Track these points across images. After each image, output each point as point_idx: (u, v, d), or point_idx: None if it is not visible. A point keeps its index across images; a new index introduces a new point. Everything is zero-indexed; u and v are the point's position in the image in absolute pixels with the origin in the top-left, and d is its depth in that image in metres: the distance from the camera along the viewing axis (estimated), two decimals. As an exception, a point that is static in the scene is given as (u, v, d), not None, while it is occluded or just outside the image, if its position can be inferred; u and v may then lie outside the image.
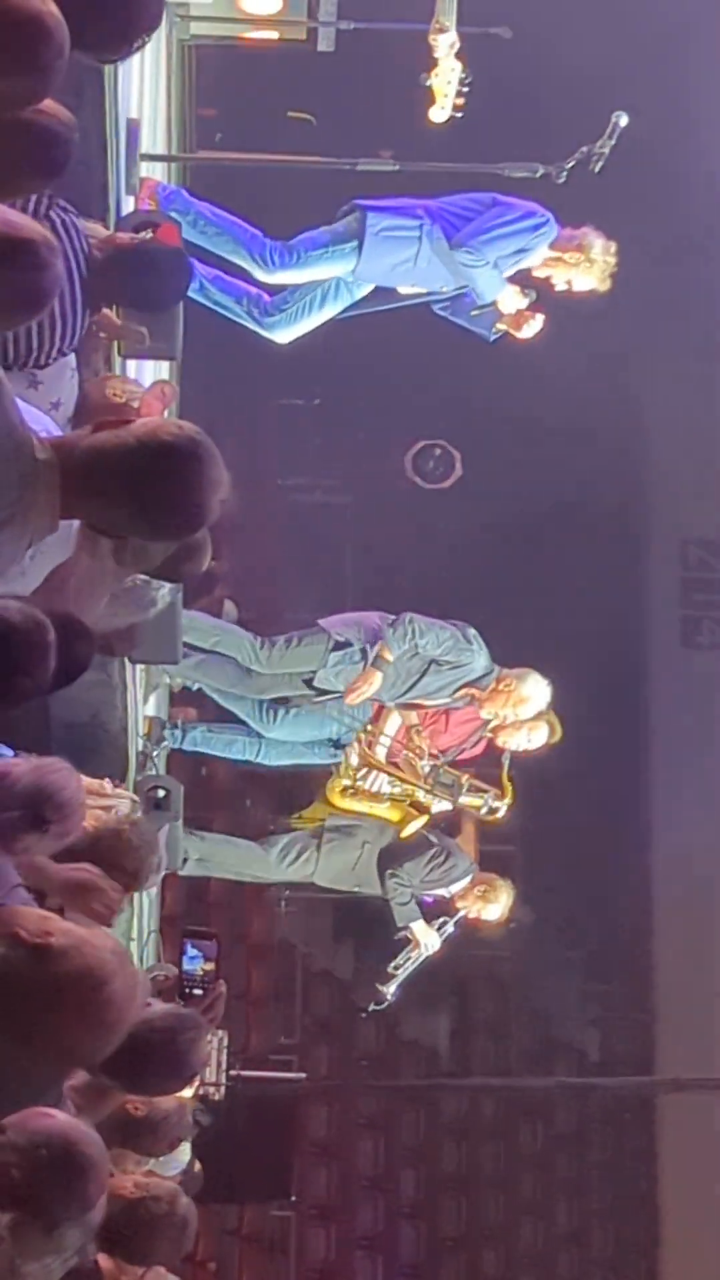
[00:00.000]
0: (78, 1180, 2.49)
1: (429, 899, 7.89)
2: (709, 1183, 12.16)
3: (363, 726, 7.73)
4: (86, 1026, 2.53)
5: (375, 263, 7.00)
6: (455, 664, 7.60)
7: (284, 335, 7.27)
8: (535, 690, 7.61)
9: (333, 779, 7.76)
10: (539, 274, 7.14)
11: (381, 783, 7.69)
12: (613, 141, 6.87)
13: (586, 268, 7.09)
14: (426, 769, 7.62)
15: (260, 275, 7.10)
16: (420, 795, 7.75)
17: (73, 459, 2.86)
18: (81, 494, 2.86)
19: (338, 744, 7.82)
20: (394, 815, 7.80)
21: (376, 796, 7.72)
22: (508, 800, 7.83)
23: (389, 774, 7.72)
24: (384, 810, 7.78)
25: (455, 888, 7.85)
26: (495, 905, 7.89)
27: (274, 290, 7.17)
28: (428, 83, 7.02)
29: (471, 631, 7.66)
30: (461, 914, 7.87)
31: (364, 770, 7.69)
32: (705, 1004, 12.16)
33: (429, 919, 7.84)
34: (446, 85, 6.98)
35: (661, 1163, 12.90)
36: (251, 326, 7.24)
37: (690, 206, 10.90)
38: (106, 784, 4.56)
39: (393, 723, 7.70)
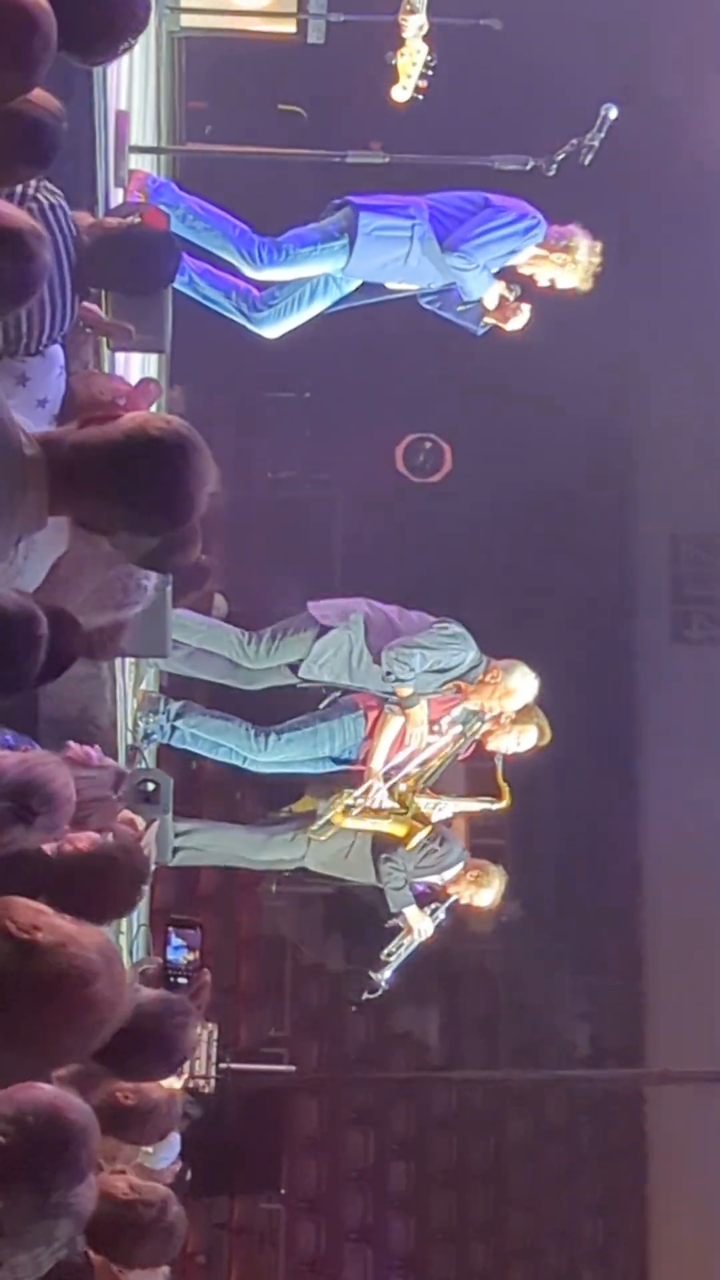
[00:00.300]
0: (67, 1145, 2.49)
1: (421, 886, 7.90)
2: (698, 1175, 12.19)
3: (357, 742, 7.73)
4: (68, 1025, 2.52)
5: (366, 261, 6.99)
6: (445, 667, 7.60)
7: (273, 330, 7.26)
8: (522, 682, 7.61)
9: (334, 799, 7.74)
10: (524, 270, 7.13)
11: (381, 798, 7.69)
12: (602, 134, 6.87)
13: (571, 267, 7.08)
14: (445, 744, 7.63)
15: (248, 272, 7.08)
16: (421, 806, 7.76)
17: (60, 454, 2.85)
18: (69, 490, 2.85)
19: (334, 758, 7.80)
20: (399, 830, 7.79)
21: (379, 812, 7.72)
22: (505, 803, 7.87)
23: (392, 781, 7.72)
24: (388, 825, 7.77)
25: (448, 874, 7.86)
26: (488, 891, 7.90)
27: (263, 285, 7.16)
28: (393, 61, 7.02)
29: (458, 628, 7.64)
30: (454, 900, 7.88)
31: (364, 787, 7.68)
32: (694, 997, 12.17)
33: (421, 906, 7.86)
34: (411, 67, 6.98)
35: (650, 1155, 12.92)
36: (240, 321, 7.23)
37: (683, 198, 10.89)
38: (94, 752, 4.46)
39: (388, 736, 7.69)
